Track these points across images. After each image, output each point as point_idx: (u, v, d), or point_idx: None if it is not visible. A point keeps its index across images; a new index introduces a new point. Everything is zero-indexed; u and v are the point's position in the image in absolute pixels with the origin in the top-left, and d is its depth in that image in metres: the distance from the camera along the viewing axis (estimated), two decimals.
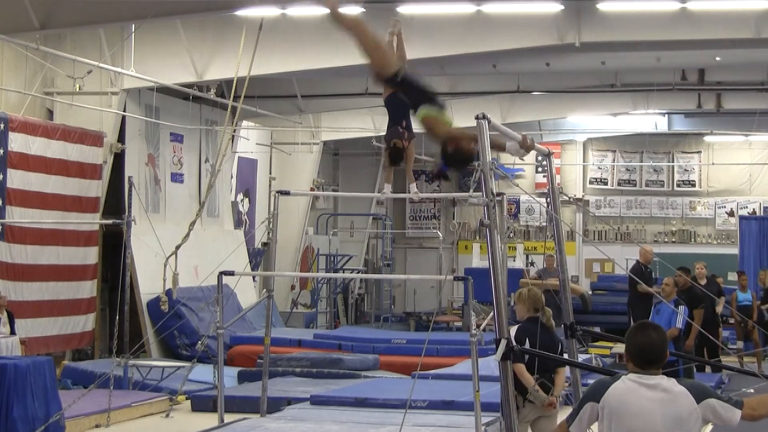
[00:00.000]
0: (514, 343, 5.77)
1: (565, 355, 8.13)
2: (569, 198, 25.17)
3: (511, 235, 24.90)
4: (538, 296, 8.22)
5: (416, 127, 7.23)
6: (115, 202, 16.63)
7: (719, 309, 16.57)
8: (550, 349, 7.98)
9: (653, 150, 27.44)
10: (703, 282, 16.39)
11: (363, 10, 14.59)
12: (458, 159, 6.62)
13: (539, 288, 8.69)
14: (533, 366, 7.90)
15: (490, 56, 16.10)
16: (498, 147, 6.84)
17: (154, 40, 16.10)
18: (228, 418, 10.96)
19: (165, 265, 14.07)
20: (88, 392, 12.14)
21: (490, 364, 11.73)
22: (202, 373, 14.48)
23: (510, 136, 6.94)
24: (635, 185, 27.80)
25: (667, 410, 4.53)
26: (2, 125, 14.34)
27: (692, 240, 27.37)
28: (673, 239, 27.37)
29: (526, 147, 6.96)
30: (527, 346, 7.68)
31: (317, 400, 12.12)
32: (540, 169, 27.07)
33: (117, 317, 13.87)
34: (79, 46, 15.77)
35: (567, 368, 8.35)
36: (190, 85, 17.02)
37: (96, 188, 16.34)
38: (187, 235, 13.97)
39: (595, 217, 27.82)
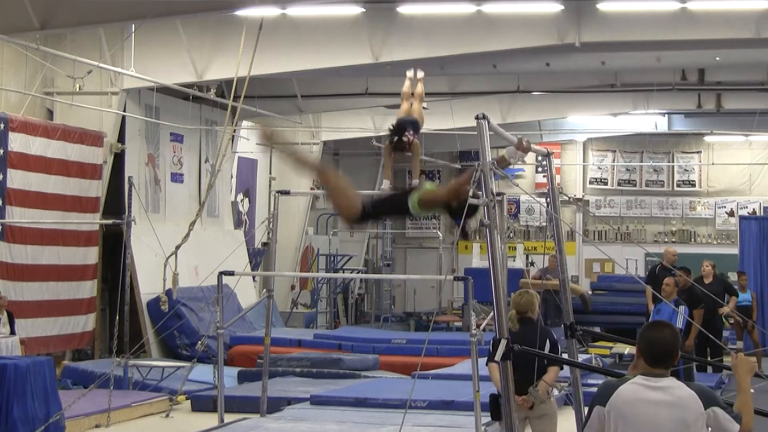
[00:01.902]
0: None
1: (565, 355, 8.11)
2: (569, 198, 25.17)
3: (511, 235, 24.90)
4: (517, 301, 8.18)
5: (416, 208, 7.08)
6: (115, 202, 16.62)
7: (726, 310, 16.29)
8: (533, 346, 7.86)
9: (653, 150, 27.43)
10: (709, 280, 16.19)
11: (363, 10, 14.65)
12: (466, 206, 6.18)
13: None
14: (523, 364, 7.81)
15: (490, 56, 16.09)
16: (503, 163, 6.78)
17: (154, 40, 16.09)
18: (228, 418, 10.97)
19: (165, 265, 14.05)
20: (88, 392, 12.15)
21: None
22: (202, 373, 14.47)
23: (506, 138, 6.92)
24: (635, 185, 27.80)
25: (674, 414, 4.50)
26: (2, 125, 14.35)
27: (692, 240, 27.36)
28: (673, 239, 27.34)
29: (522, 149, 6.88)
30: None
31: (317, 400, 12.12)
32: (540, 169, 27.04)
33: (117, 317, 13.87)
34: (79, 46, 15.76)
35: (566, 368, 8.33)
36: (190, 85, 17.02)
37: (96, 188, 16.34)
38: (187, 235, 13.95)
39: (595, 217, 27.81)
